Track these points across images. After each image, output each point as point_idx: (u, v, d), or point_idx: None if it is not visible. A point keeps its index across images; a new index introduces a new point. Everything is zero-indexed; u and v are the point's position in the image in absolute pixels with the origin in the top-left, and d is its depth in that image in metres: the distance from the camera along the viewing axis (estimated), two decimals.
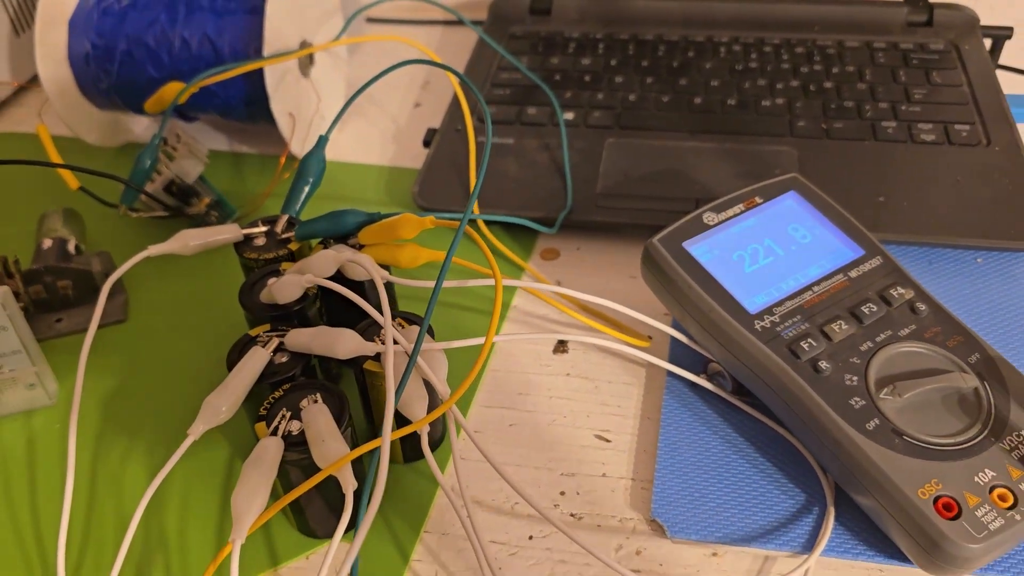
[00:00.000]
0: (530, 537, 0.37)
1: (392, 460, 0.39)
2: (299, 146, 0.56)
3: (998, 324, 0.43)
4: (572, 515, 0.38)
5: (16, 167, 0.60)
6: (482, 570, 0.32)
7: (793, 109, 0.56)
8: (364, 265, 0.36)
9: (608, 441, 0.40)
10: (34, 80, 0.70)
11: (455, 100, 0.59)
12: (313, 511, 0.36)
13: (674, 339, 0.43)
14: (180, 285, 0.50)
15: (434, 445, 0.40)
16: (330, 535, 0.37)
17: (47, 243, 0.49)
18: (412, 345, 0.34)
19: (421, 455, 0.39)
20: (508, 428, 0.41)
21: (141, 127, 0.64)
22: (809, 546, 0.35)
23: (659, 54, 0.62)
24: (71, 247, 0.49)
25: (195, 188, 0.53)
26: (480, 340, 0.36)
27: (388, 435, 0.30)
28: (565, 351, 0.45)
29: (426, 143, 0.56)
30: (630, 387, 0.43)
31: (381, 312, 0.35)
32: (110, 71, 0.56)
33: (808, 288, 0.38)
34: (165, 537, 0.38)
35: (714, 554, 0.36)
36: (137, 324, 0.48)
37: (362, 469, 0.37)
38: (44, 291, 0.48)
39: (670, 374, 0.42)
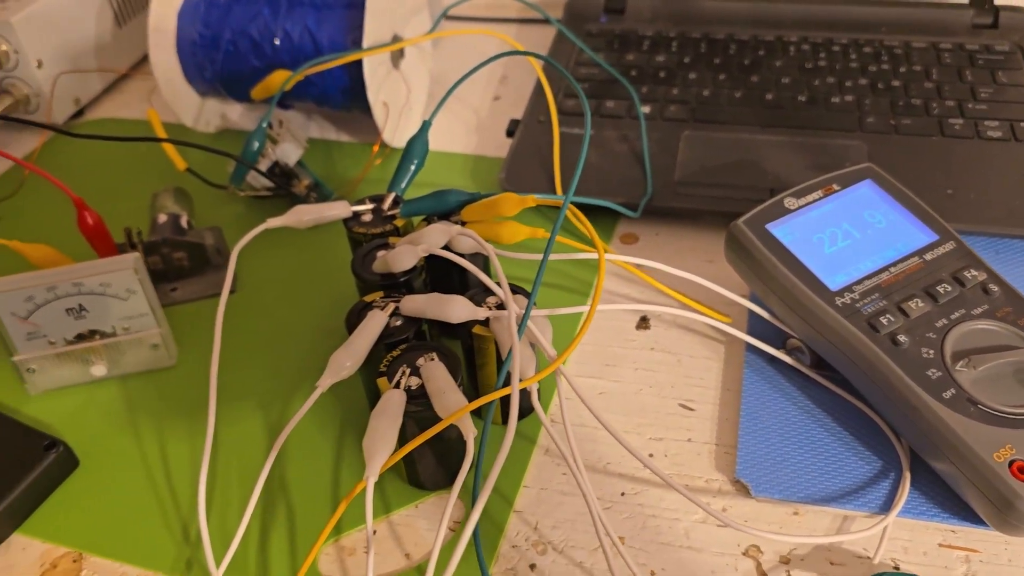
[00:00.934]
0: (622, 493, 0.40)
1: (492, 421, 0.43)
2: (391, 134, 0.60)
3: None
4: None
5: (127, 149, 0.64)
6: (591, 513, 0.35)
7: (862, 106, 0.58)
8: (474, 238, 0.39)
9: (692, 410, 0.43)
10: (135, 69, 0.74)
11: (535, 93, 0.62)
12: (424, 463, 0.39)
13: (751, 317, 0.46)
14: (284, 258, 0.54)
15: (527, 411, 0.43)
16: (437, 488, 0.40)
17: (162, 218, 0.53)
18: (522, 311, 0.37)
19: (521, 416, 0.42)
20: (598, 395, 0.44)
21: (236, 114, 0.68)
22: (886, 507, 0.37)
23: (730, 52, 0.64)
24: (184, 222, 0.53)
25: (295, 171, 0.56)
26: (582, 308, 0.39)
27: (516, 384, 0.34)
28: (647, 327, 0.48)
29: (509, 133, 0.60)
30: (710, 361, 0.46)
31: (495, 281, 0.38)
32: (215, 60, 0.60)
33: (885, 269, 0.41)
34: (286, 483, 0.41)
35: (795, 513, 0.38)
36: (246, 295, 0.52)
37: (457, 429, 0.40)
38: (161, 262, 0.52)
39: (749, 349, 0.45)
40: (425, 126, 0.47)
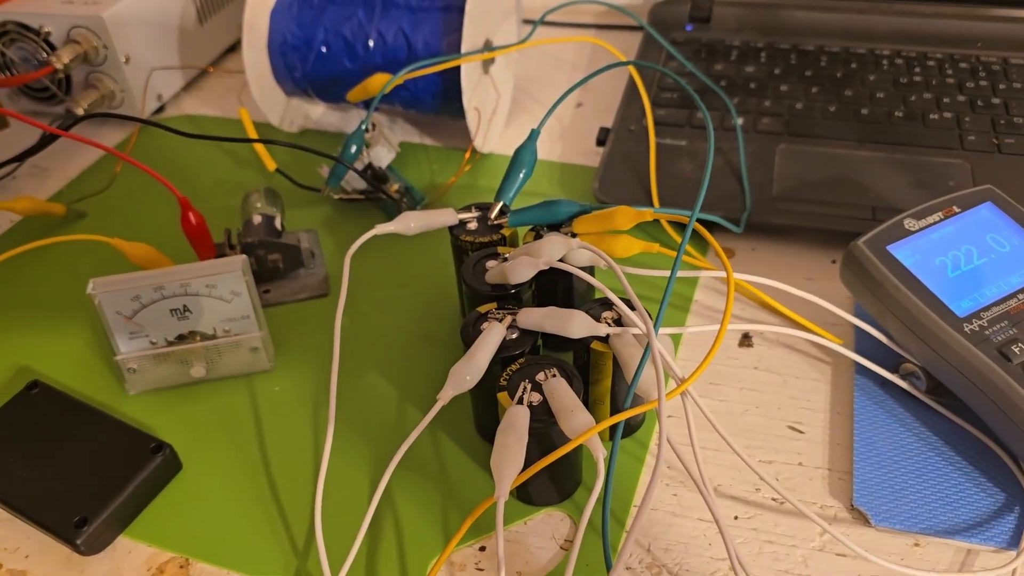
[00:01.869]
0: (735, 517, 0.39)
1: (599, 437, 0.42)
2: (480, 140, 0.59)
3: None
4: (773, 499, 0.40)
5: (212, 147, 0.64)
6: (725, 544, 0.34)
7: (962, 123, 0.57)
8: (595, 252, 0.39)
9: (802, 432, 0.43)
10: (215, 65, 0.74)
11: (624, 100, 0.61)
12: (536, 480, 0.39)
13: (859, 338, 0.45)
14: (377, 263, 0.53)
15: (634, 428, 0.43)
16: (545, 504, 0.40)
17: (257, 219, 0.53)
18: (648, 328, 0.37)
19: (627, 433, 0.42)
20: (703, 415, 0.44)
21: (318, 114, 0.67)
22: (1014, 542, 0.36)
23: (821, 64, 0.63)
24: (278, 224, 0.53)
25: (386, 175, 0.56)
26: (703, 328, 0.39)
27: (664, 408, 0.33)
28: (750, 345, 0.47)
29: (600, 142, 0.59)
30: (817, 383, 0.45)
31: (622, 298, 0.38)
32: (306, 60, 0.60)
33: (1013, 296, 0.40)
34: (391, 495, 0.41)
35: (916, 544, 0.38)
36: (336, 298, 0.51)
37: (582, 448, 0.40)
38: (255, 263, 0.52)
39: (859, 372, 0.44)
40: (533, 135, 0.47)
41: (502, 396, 0.37)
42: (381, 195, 0.55)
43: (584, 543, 0.38)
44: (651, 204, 0.53)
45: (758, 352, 0.47)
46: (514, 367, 0.38)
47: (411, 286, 0.52)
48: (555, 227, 0.45)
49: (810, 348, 0.46)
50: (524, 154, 0.46)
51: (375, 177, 0.56)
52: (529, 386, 0.37)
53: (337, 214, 0.57)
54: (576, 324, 0.38)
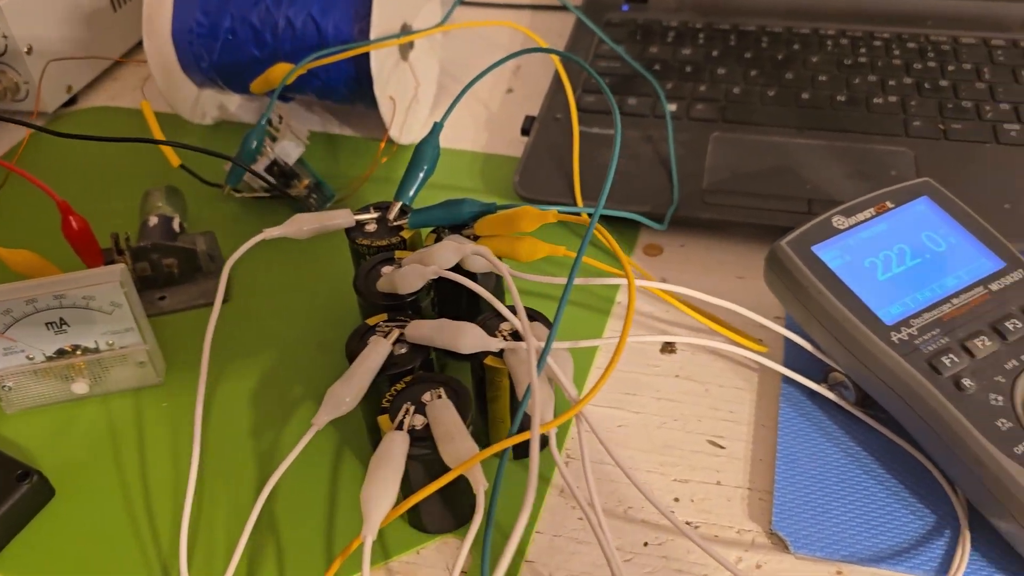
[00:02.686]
0: (645, 544, 0.36)
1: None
2: (397, 130, 0.56)
3: None
4: (688, 523, 0.37)
5: (119, 144, 0.60)
6: (613, 570, 0.32)
7: (907, 108, 0.54)
8: (489, 258, 0.36)
9: (722, 447, 0.39)
10: (129, 55, 0.70)
11: (552, 87, 0.58)
12: (428, 507, 0.35)
13: (788, 345, 0.42)
14: (281, 268, 0.50)
15: (542, 447, 0.39)
16: (440, 531, 0.36)
17: (153, 220, 0.49)
18: (540, 343, 0.33)
19: (526, 454, 0.38)
20: (617, 429, 0.41)
21: (234, 105, 0.64)
22: (943, 571, 0.33)
23: (762, 46, 0.60)
24: (176, 225, 0.50)
25: (295, 170, 0.52)
26: (606, 340, 0.35)
27: (537, 437, 0.30)
28: (673, 351, 0.44)
29: (524, 131, 0.55)
30: (742, 392, 0.42)
31: (507, 307, 0.35)
32: (212, 49, 0.56)
33: (946, 300, 0.36)
34: (275, 523, 0.37)
35: (839, 572, 0.35)
36: (240, 305, 0.48)
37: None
38: (150, 268, 0.48)
39: (785, 381, 0.41)
40: (436, 128, 0.43)
41: (382, 420, 0.33)
42: (285, 194, 0.51)
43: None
44: (573, 199, 0.49)
45: (681, 359, 0.43)
46: (399, 386, 0.35)
47: (313, 290, 0.48)
48: (458, 228, 0.42)
49: (736, 354, 0.43)
50: (426, 149, 0.43)
51: (282, 173, 0.52)
52: (412, 408, 0.34)
53: (246, 212, 0.54)
54: (466, 339, 0.34)
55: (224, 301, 0.48)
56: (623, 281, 0.41)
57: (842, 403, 0.39)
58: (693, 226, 0.50)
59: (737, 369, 0.43)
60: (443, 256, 0.37)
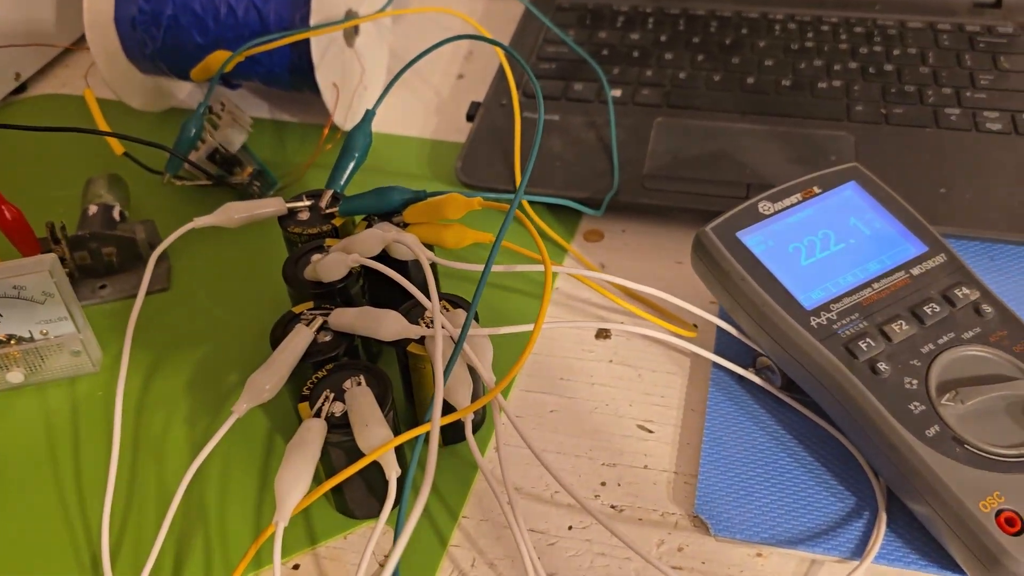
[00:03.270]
0: (569, 527, 0.36)
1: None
2: (343, 116, 0.55)
3: None
4: (612, 507, 0.37)
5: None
6: (523, 559, 0.32)
7: (851, 92, 0.54)
8: (409, 245, 0.36)
9: (651, 432, 0.40)
10: (80, 42, 0.69)
11: (500, 73, 0.58)
12: (353, 493, 0.36)
13: (721, 330, 0.42)
14: (223, 256, 0.50)
15: (474, 428, 0.40)
16: (368, 517, 0.37)
17: (93, 209, 0.49)
18: (458, 330, 0.33)
19: (461, 438, 0.38)
20: (549, 414, 0.41)
21: (184, 92, 0.63)
22: (859, 552, 0.34)
23: (711, 30, 0.60)
24: (116, 214, 0.49)
25: (238, 157, 0.52)
26: (526, 327, 0.36)
27: (437, 424, 0.30)
28: (608, 336, 0.44)
29: (469, 117, 0.55)
30: (674, 376, 0.42)
31: (427, 294, 0.35)
32: (156, 36, 0.55)
33: (867, 285, 0.37)
34: (205, 511, 0.37)
35: (759, 555, 0.35)
36: (180, 293, 0.48)
37: (403, 452, 0.37)
38: (89, 257, 0.48)
39: (716, 365, 0.41)
40: (368, 115, 0.43)
41: (302, 407, 0.34)
42: (227, 181, 0.51)
43: (406, 559, 0.35)
44: (514, 185, 0.49)
45: (615, 344, 0.44)
46: (321, 374, 0.35)
47: (253, 278, 0.48)
48: (389, 215, 0.41)
49: (669, 340, 0.43)
50: (357, 137, 0.43)
51: (225, 160, 0.52)
52: (332, 395, 0.34)
53: (190, 200, 0.53)
54: (387, 326, 0.35)
55: (163, 290, 0.48)
56: (561, 269, 0.41)
57: (769, 387, 0.39)
58: (634, 211, 0.50)
59: (670, 354, 0.43)
60: (366, 244, 0.37)
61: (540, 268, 0.35)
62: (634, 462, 0.39)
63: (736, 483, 0.37)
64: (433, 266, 0.40)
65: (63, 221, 0.47)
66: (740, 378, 0.40)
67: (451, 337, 0.34)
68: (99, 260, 0.48)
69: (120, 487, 0.39)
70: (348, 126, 0.57)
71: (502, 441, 0.34)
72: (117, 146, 0.54)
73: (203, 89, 0.62)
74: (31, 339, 0.43)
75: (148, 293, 0.48)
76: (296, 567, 0.36)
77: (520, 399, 0.41)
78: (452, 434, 0.39)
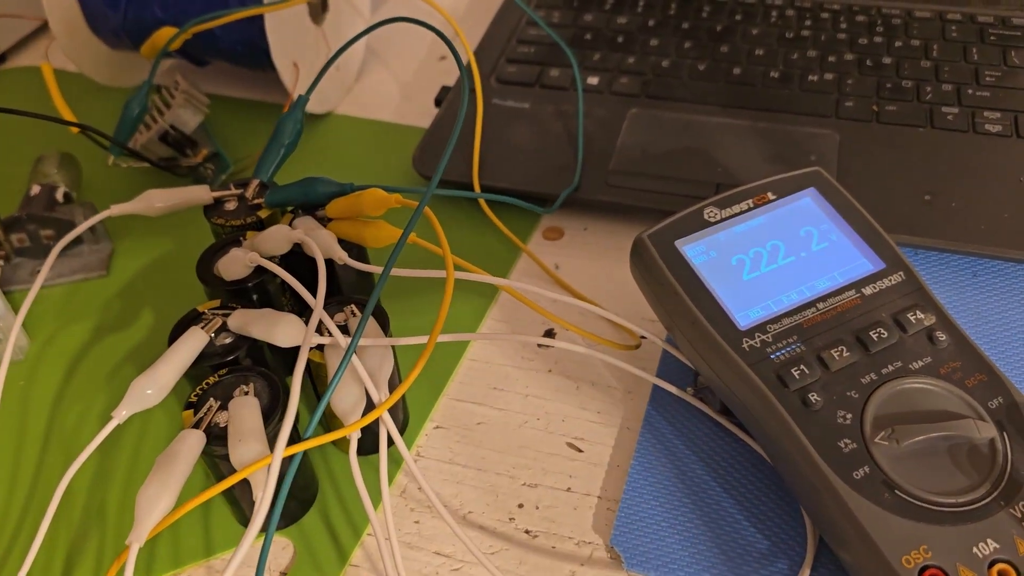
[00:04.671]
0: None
1: (344, 451, 0.37)
2: (315, 99, 0.53)
3: None
4: (527, 531, 0.35)
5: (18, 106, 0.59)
6: None
7: (842, 86, 0.50)
8: (311, 244, 0.33)
9: (580, 451, 0.37)
10: None
11: (477, 55, 0.55)
12: (248, 504, 0.34)
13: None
14: (165, 243, 0.48)
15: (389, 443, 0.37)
16: (265, 528, 0.35)
17: (36, 189, 0.48)
18: (350, 338, 0.31)
19: (377, 449, 0.36)
20: (475, 426, 0.38)
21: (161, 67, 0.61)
22: None
23: (702, 15, 0.56)
24: (59, 195, 0.48)
25: (193, 138, 0.50)
26: (419, 340, 0.33)
27: (281, 449, 0.28)
28: (551, 345, 0.41)
29: (438, 102, 0.53)
30: (614, 391, 0.39)
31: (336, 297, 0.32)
32: (117, 8, 0.53)
33: (812, 304, 0.33)
34: (104, 513, 0.36)
35: None
36: (117, 280, 0.46)
37: (308, 461, 0.35)
38: (28, 239, 0.47)
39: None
40: (300, 101, 0.41)
41: (186, 415, 0.32)
42: (178, 164, 0.49)
43: (305, 571, 0.33)
44: (471, 179, 0.47)
45: (557, 353, 0.41)
46: (212, 379, 0.33)
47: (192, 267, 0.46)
48: (314, 208, 0.39)
49: (613, 352, 0.41)
50: (286, 124, 0.40)
51: (177, 141, 0.50)
52: (217, 404, 0.32)
53: (144, 182, 0.52)
54: (282, 330, 0.32)
55: (102, 275, 0.47)
56: (465, 276, 0.37)
57: (706, 410, 0.36)
58: (597, 209, 0.47)
59: (612, 367, 0.40)
60: (269, 243, 0.34)
61: (442, 274, 0.32)
62: (557, 483, 0.36)
63: (659, 513, 0.34)
64: (336, 267, 0.38)
65: (2, 201, 0.46)
66: (680, 398, 0.37)
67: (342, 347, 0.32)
68: (38, 243, 0.47)
69: (22, 480, 0.37)
70: (321, 109, 0.55)
71: (384, 459, 0.31)
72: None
73: (180, 65, 0.61)
74: None
75: (86, 279, 0.47)
76: None
77: (448, 408, 0.39)
78: (369, 444, 0.37)
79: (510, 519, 0.35)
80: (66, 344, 0.43)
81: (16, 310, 0.43)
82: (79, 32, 0.55)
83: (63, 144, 0.55)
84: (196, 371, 0.34)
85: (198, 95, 0.51)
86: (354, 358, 0.30)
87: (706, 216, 0.36)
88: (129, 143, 0.48)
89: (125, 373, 0.41)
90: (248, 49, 0.52)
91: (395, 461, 0.37)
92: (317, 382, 0.34)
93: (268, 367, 0.34)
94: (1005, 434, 0.30)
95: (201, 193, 0.40)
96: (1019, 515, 0.28)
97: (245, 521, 0.35)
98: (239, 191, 0.41)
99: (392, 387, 0.33)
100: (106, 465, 0.38)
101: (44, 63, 0.53)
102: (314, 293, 0.33)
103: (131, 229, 0.49)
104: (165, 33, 0.48)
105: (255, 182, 0.40)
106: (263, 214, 0.39)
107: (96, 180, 0.52)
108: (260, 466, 0.28)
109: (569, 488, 0.36)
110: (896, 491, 0.29)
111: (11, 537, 0.35)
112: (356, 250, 0.38)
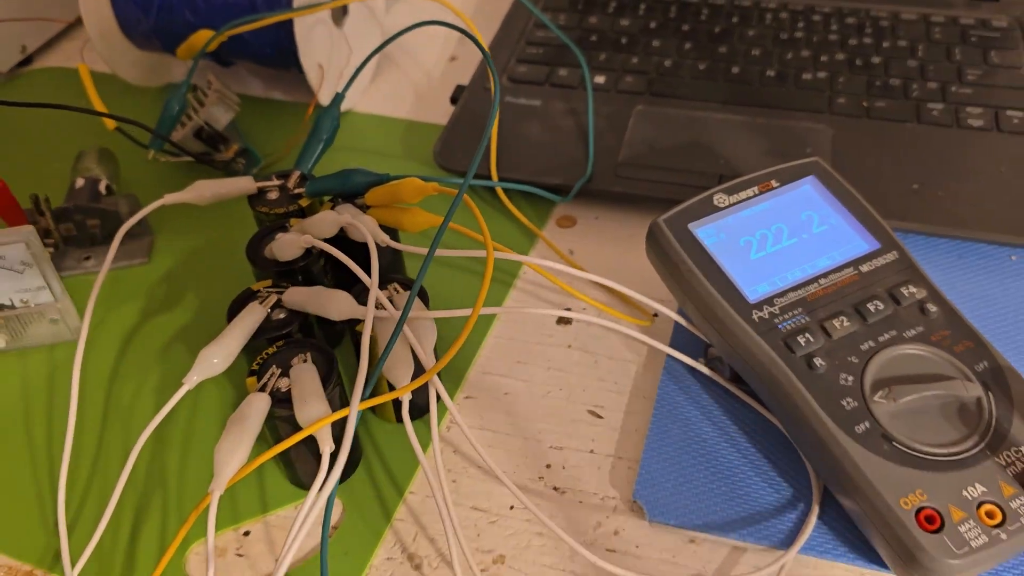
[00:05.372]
0: (511, 507, 0.37)
1: (386, 420, 0.40)
2: (327, 96, 0.56)
3: (1022, 328, 0.41)
4: (555, 488, 0.38)
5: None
6: (449, 548, 0.33)
7: (834, 84, 0.53)
8: (360, 228, 0.36)
9: (600, 417, 0.40)
10: None
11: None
12: (302, 464, 0.37)
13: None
14: (203, 232, 0.51)
15: (424, 410, 0.41)
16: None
17: (80, 182, 0.51)
18: (400, 312, 0.34)
19: (414, 415, 0.39)
20: (503, 396, 0.42)
21: (183, 68, 0.64)
22: (789, 542, 0.34)
23: (701, 18, 0.60)
24: (102, 187, 0.51)
25: (224, 135, 0.53)
26: (464, 312, 0.36)
27: (356, 402, 0.31)
28: (569, 322, 0.45)
29: (453, 100, 0.56)
30: (629, 364, 0.43)
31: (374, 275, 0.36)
32: (149, 14, 0.56)
33: (814, 280, 0.37)
34: (165, 476, 0.39)
35: (692, 541, 0.36)
36: (159, 267, 0.49)
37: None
38: (74, 229, 0.49)
39: (670, 355, 0.42)
40: (337, 99, 0.44)
41: (250, 381, 0.35)
42: (212, 159, 0.52)
43: (350, 530, 0.37)
44: (490, 171, 0.50)
45: (575, 330, 0.44)
46: (271, 350, 0.36)
47: (232, 258, 0.49)
48: (352, 197, 0.42)
49: (628, 327, 0.44)
50: (324, 120, 0.44)
51: (210, 137, 0.53)
52: (279, 371, 0.35)
53: (178, 175, 0.55)
54: (335, 305, 0.36)
55: (144, 263, 0.50)
56: (503, 256, 0.40)
57: (717, 378, 0.40)
58: (608, 199, 0.50)
59: (628, 342, 0.44)
60: (322, 225, 0.38)
61: (483, 254, 0.36)
62: (580, 446, 0.39)
63: (676, 470, 0.37)
64: (387, 249, 0.41)
65: (47, 194, 0.49)
66: (692, 368, 0.41)
67: (394, 319, 0.35)
68: (84, 232, 0.50)
69: (86, 451, 0.40)
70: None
71: (434, 422, 0.35)
72: (109, 121, 0.55)
73: (208, 65, 0.64)
74: (12, 307, 0.44)
75: (129, 266, 0.49)
76: (247, 533, 0.37)
77: (477, 380, 0.42)
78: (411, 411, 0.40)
79: (539, 478, 0.38)
80: (116, 326, 0.46)
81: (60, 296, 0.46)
82: (112, 35, 0.58)
83: (97, 142, 0.57)
84: (253, 344, 0.37)
85: (229, 94, 0.54)
86: (406, 327, 0.34)
87: (716, 202, 0.39)
88: (175, 140, 0.51)
89: (175, 351, 0.44)
90: (277, 51, 0.55)
91: (427, 428, 0.40)
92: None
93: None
94: (990, 393, 0.34)
95: (246, 184, 0.43)
96: (1003, 463, 0.32)
97: (297, 481, 0.38)
98: (280, 182, 0.44)
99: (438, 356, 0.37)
100: (164, 434, 0.41)
101: (81, 64, 0.56)
102: (370, 270, 0.36)
103: (168, 221, 0.52)
104: (202, 36, 0.51)
105: (296, 173, 0.43)
106: (304, 203, 0.43)
107: (132, 174, 0.55)
108: (333, 418, 0.31)
109: (592, 450, 0.39)
110: (894, 443, 0.32)
111: (80, 499, 0.38)
112: (390, 234, 0.41)
